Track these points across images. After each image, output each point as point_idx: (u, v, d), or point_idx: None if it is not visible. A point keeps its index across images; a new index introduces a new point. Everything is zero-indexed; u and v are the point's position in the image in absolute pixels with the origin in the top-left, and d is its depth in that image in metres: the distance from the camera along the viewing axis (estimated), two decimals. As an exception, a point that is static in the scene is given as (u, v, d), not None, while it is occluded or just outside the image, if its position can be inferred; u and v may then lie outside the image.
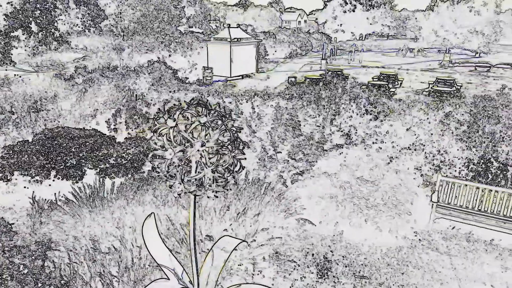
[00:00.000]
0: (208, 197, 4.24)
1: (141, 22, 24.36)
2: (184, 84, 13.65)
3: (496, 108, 8.59)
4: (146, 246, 4.86)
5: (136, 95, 12.32)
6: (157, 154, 4.06)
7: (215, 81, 17.93)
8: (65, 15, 18.16)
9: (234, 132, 4.26)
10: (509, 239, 7.38)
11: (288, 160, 8.57)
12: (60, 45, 17.74)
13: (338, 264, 6.62)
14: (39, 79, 13.27)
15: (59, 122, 10.80)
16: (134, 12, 24.18)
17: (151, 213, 4.97)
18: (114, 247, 5.84)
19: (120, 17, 23.46)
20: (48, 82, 12.84)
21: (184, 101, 4.34)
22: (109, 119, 10.66)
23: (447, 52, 23.32)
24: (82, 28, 19.29)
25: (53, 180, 8.55)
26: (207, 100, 4.06)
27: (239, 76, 19.02)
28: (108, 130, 10.48)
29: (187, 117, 4.11)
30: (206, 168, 4.02)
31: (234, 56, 18.96)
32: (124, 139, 9.93)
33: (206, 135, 4.02)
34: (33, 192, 7.38)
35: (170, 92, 12.44)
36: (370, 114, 9.65)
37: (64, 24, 18.36)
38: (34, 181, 8.39)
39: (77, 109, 11.24)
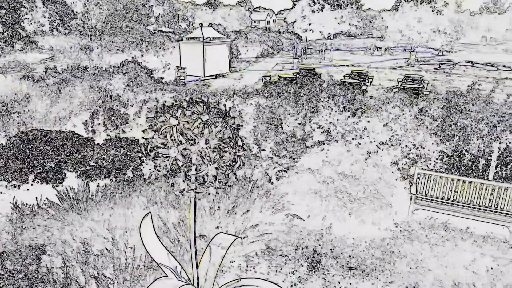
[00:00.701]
0: (208, 194, 4.30)
1: (109, 22, 23.82)
2: (161, 84, 13.52)
3: (467, 103, 9.10)
4: (144, 245, 4.84)
5: (111, 96, 12.08)
6: (161, 152, 4.08)
7: (188, 81, 17.84)
8: (31, 14, 17.48)
9: (234, 129, 4.34)
10: (483, 226, 7.85)
11: (272, 158, 8.70)
12: (27, 45, 17.08)
13: (327, 257, 6.82)
14: (7, 81, 12.76)
15: (33, 125, 10.44)
16: (101, 11, 23.62)
17: (148, 213, 4.95)
18: (106, 249, 5.76)
19: (87, 16, 22.86)
20: (18, 83, 12.37)
21: (184, 99, 4.37)
22: (86, 121, 10.41)
23: (412, 50, 24.24)
24: (49, 27, 18.65)
25: (32, 184, 8.29)
26: (208, 98, 4.11)
27: (212, 75, 19.01)
28: (86, 132, 10.24)
29: (189, 115, 4.15)
30: (210, 165, 4.07)
31: (207, 55, 18.94)
32: (104, 140, 9.74)
33: (209, 132, 4.07)
34: (14, 197, 7.14)
35: (146, 92, 12.29)
36: (348, 111, 9.94)
37: (31, 23, 17.66)
38: (11, 185, 8.10)
39: (52, 111, 10.89)
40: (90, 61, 18.76)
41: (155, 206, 7.00)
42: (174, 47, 20.30)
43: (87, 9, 22.88)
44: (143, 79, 12.92)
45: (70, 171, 8.56)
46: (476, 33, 26.03)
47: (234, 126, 4.37)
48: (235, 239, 5.50)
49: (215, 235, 5.31)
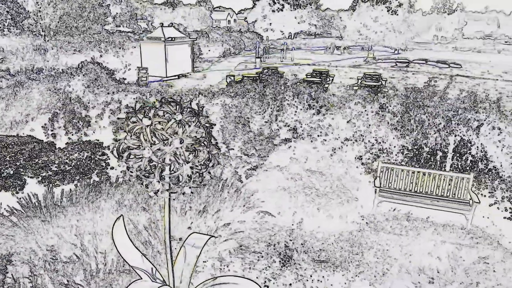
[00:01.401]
0: (183, 193, 4.29)
1: (64, 21, 22.96)
2: (123, 85, 13.21)
3: (424, 99, 9.58)
4: (117, 249, 4.75)
5: (70, 98, 11.68)
6: (134, 153, 4.02)
7: (150, 81, 17.55)
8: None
9: (207, 128, 4.36)
10: (442, 215, 8.29)
11: (241, 156, 8.76)
12: (-25, 46, 16.12)
13: (298, 252, 6.97)
14: (-45, 84, 12.01)
15: (-14, 129, 9.90)
16: (55, 10, 22.72)
17: (120, 216, 4.86)
18: (75, 255, 5.59)
19: (40, 16, 21.91)
20: (-33, 86, 11.67)
21: (156, 99, 4.34)
22: (45, 124, 10.00)
23: (370, 49, 25.06)
24: (0, 27, 17.71)
25: (-11, 193, 7.88)
26: (181, 98, 4.10)
27: (175, 76, 18.79)
28: (46, 136, 9.84)
29: (162, 115, 4.13)
30: (185, 164, 4.07)
31: (169, 55, 18.69)
32: (65, 144, 9.41)
33: (183, 132, 4.06)
34: (-28, 206, 6.76)
35: (108, 93, 11.97)
36: (313, 108, 10.16)
37: (-21, 23, 16.67)
38: (-34, 194, 7.66)
39: (7, 115, 10.37)
40: (45, 62, 18.01)
41: (124, 209, 6.86)
42: (135, 47, 19.88)
43: (40, 8, 21.93)
44: (104, 80, 12.58)
45: (31, 177, 8.21)
46: (428, 32, 27.34)
47: (207, 125, 4.39)
48: (209, 238, 5.51)
49: (189, 235, 5.29)
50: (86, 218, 6.55)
